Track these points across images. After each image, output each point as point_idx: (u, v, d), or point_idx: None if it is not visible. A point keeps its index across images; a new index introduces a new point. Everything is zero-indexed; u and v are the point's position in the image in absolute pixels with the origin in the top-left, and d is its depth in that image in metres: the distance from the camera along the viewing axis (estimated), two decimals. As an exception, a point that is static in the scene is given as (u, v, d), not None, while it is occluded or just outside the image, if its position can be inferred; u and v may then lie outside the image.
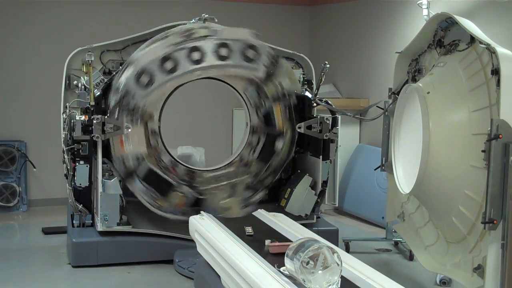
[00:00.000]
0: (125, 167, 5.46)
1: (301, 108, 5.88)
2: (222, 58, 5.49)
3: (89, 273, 5.22)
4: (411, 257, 5.69)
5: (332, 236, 5.53)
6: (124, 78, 5.34)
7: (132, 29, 6.10)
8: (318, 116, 5.82)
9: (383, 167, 5.18)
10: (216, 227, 4.37)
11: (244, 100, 5.97)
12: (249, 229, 4.27)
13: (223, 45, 5.49)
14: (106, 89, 5.47)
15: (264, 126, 5.93)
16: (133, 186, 5.52)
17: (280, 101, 5.79)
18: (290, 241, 3.78)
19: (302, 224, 4.74)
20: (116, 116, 5.35)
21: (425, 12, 5.97)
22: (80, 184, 5.40)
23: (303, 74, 6.20)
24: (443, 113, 4.09)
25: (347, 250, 5.83)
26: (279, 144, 5.86)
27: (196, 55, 5.43)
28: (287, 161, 5.97)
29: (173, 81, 5.47)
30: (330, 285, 3.08)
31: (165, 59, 5.38)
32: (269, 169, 5.91)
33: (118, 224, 5.39)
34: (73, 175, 5.41)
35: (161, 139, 5.73)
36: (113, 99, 5.37)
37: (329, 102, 5.99)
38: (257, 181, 5.90)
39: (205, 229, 4.33)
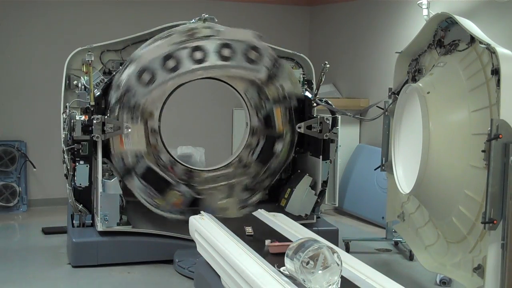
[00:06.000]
0: (124, 164, 5.46)
1: (301, 111, 5.88)
2: (224, 58, 5.49)
3: (89, 273, 5.22)
4: (411, 257, 5.69)
5: (332, 236, 5.53)
6: (126, 75, 5.35)
7: (132, 29, 6.09)
8: (318, 116, 5.82)
9: (383, 167, 5.17)
10: (216, 227, 4.37)
11: (244, 101, 5.97)
12: (249, 229, 4.27)
13: (226, 45, 5.49)
14: (106, 89, 5.47)
15: (264, 127, 5.93)
16: (131, 183, 5.51)
17: (281, 103, 5.78)
18: (290, 241, 3.78)
19: (302, 224, 4.74)
20: (116, 114, 5.35)
21: (425, 12, 5.97)
22: (80, 184, 5.40)
23: (303, 74, 6.20)
24: (443, 113, 4.09)
25: (347, 250, 5.83)
26: (279, 147, 5.86)
27: (198, 55, 5.43)
28: (286, 164, 5.97)
29: (175, 80, 5.47)
30: (330, 285, 3.08)
31: (167, 57, 5.38)
32: (268, 171, 5.91)
33: (118, 224, 5.39)
34: (73, 175, 5.41)
35: (160, 138, 5.73)
36: (113, 96, 5.37)
37: (329, 102, 5.99)
38: (256, 182, 5.89)
39: (205, 229, 4.33)
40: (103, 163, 5.37)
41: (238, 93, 5.93)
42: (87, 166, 5.38)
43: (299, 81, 6.09)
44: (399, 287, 3.26)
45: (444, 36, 4.42)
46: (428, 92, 4.17)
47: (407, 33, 6.39)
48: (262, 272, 3.39)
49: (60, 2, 7.50)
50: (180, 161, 5.82)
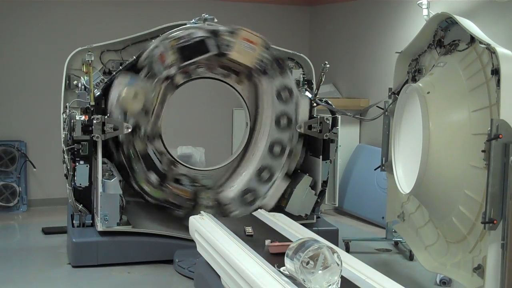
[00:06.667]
0: None
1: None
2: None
3: (89, 273, 5.22)
4: (411, 257, 5.69)
5: (332, 236, 5.53)
6: None
7: (132, 29, 6.10)
8: (318, 116, 5.82)
9: (383, 167, 5.17)
10: (216, 227, 4.37)
11: (244, 100, 5.97)
12: (249, 229, 4.27)
13: None
14: (106, 89, 5.47)
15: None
16: None
17: None
18: (290, 241, 3.78)
19: (302, 224, 4.74)
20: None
21: (425, 12, 5.97)
22: (80, 184, 5.40)
23: (303, 74, 6.19)
24: (443, 113, 4.09)
25: (347, 250, 5.83)
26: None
27: None
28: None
29: None
30: (330, 285, 3.08)
31: None
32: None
33: (118, 224, 5.38)
34: (73, 175, 5.41)
35: (161, 139, 5.72)
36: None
37: (329, 102, 5.99)
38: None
39: (205, 229, 4.33)
40: (103, 163, 5.37)
41: (238, 93, 5.93)
42: (87, 166, 5.37)
43: (299, 81, 6.08)
44: (399, 287, 3.26)
45: (444, 36, 4.42)
46: (428, 92, 4.17)
47: (407, 33, 6.39)
48: (262, 272, 3.39)
49: (60, 2, 7.50)
50: (180, 161, 5.82)
